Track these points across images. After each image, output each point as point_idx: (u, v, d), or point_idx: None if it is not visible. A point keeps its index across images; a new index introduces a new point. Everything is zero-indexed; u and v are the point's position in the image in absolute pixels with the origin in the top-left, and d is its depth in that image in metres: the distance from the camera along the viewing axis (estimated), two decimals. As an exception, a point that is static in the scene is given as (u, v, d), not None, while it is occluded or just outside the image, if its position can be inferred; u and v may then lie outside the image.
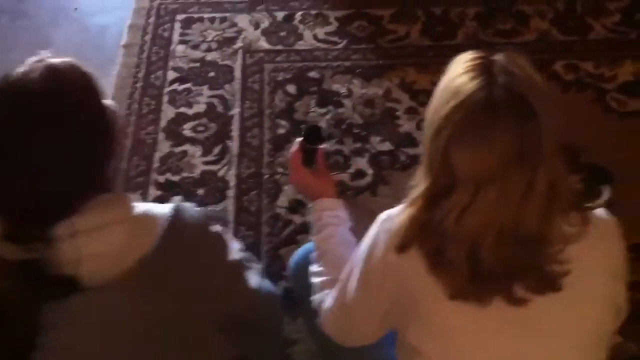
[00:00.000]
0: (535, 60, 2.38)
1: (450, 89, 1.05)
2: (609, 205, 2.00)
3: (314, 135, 1.58)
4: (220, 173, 2.23)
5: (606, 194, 1.19)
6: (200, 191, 2.17)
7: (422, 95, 2.39)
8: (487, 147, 1.01)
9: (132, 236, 1.12)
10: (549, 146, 1.03)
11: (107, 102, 1.15)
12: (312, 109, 2.39)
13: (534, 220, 1.05)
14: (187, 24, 2.73)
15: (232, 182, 2.20)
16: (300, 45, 2.62)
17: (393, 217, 1.18)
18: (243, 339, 1.37)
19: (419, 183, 1.14)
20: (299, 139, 1.57)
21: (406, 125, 2.32)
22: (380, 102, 2.41)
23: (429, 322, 1.17)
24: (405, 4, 2.71)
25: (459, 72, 1.05)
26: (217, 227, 1.31)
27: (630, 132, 2.26)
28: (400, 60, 2.53)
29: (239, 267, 1.34)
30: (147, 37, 2.69)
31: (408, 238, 1.12)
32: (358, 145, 2.28)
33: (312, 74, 2.51)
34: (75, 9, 2.89)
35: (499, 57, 1.05)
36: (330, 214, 1.49)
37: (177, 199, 1.25)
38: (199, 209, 1.26)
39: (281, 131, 2.33)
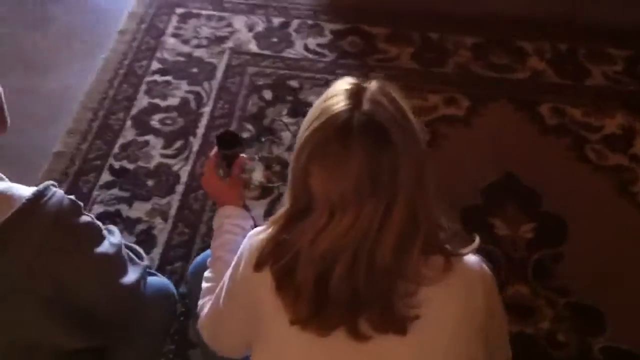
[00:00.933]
0: (519, 99, 2.37)
1: (318, 109, 1.04)
2: (555, 259, 1.95)
3: (229, 141, 1.55)
4: (175, 167, 2.22)
5: (477, 242, 1.13)
6: (151, 182, 2.18)
7: (396, 119, 2.34)
8: (341, 170, 0.99)
9: None
10: (408, 180, 1.00)
11: None
12: (282, 118, 2.36)
13: (389, 253, 1.01)
14: (184, 18, 2.75)
15: (184, 178, 2.19)
16: (288, 53, 2.60)
17: (257, 234, 1.16)
18: (99, 331, 1.36)
19: (285, 202, 1.11)
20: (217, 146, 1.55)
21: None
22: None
23: (268, 345, 1.14)
24: (399, 25, 2.66)
25: (331, 94, 1.04)
26: (86, 218, 1.29)
27: (600, 188, 2.14)
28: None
29: (105, 261, 1.33)
30: (142, 26, 2.72)
31: (264, 257, 1.10)
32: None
33: (292, 83, 2.48)
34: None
35: (371, 85, 1.04)
36: (232, 222, 1.47)
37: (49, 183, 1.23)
38: (69, 197, 1.25)
39: (246, 135, 2.31)
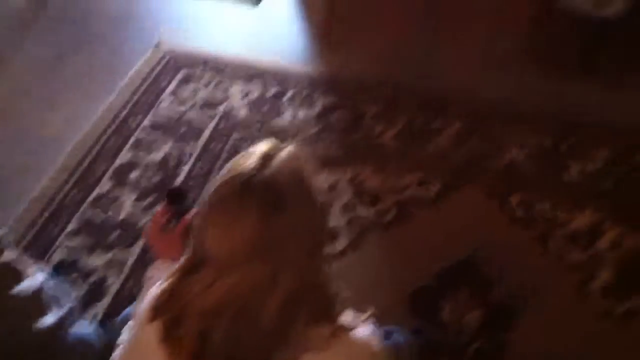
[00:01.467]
0: (491, 188, 2.36)
1: (231, 164, 1.09)
2: (504, 345, 1.91)
3: (176, 197, 1.61)
4: (141, 222, 2.30)
5: (366, 315, 1.16)
6: (115, 234, 2.25)
7: (365, 196, 2.38)
8: (234, 228, 1.03)
9: None
10: (298, 248, 1.04)
11: None
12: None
13: (274, 316, 1.04)
14: (186, 80, 2.88)
15: (148, 232, 2.25)
16: (275, 122, 2.68)
17: (157, 284, 1.20)
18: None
19: (185, 253, 1.16)
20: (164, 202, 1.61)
21: (334, 221, 2.29)
22: (322, 194, 2.39)
23: None
24: (391, 104, 2.71)
25: (247, 153, 1.09)
26: (10, 256, 1.36)
27: (558, 283, 2.10)
28: (361, 157, 2.52)
29: (20, 302, 1.38)
30: (145, 84, 2.85)
31: (157, 306, 1.14)
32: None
33: (272, 151, 2.54)
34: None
35: (284, 151, 1.08)
36: (162, 276, 1.51)
37: None
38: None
39: (216, 197, 2.37)
